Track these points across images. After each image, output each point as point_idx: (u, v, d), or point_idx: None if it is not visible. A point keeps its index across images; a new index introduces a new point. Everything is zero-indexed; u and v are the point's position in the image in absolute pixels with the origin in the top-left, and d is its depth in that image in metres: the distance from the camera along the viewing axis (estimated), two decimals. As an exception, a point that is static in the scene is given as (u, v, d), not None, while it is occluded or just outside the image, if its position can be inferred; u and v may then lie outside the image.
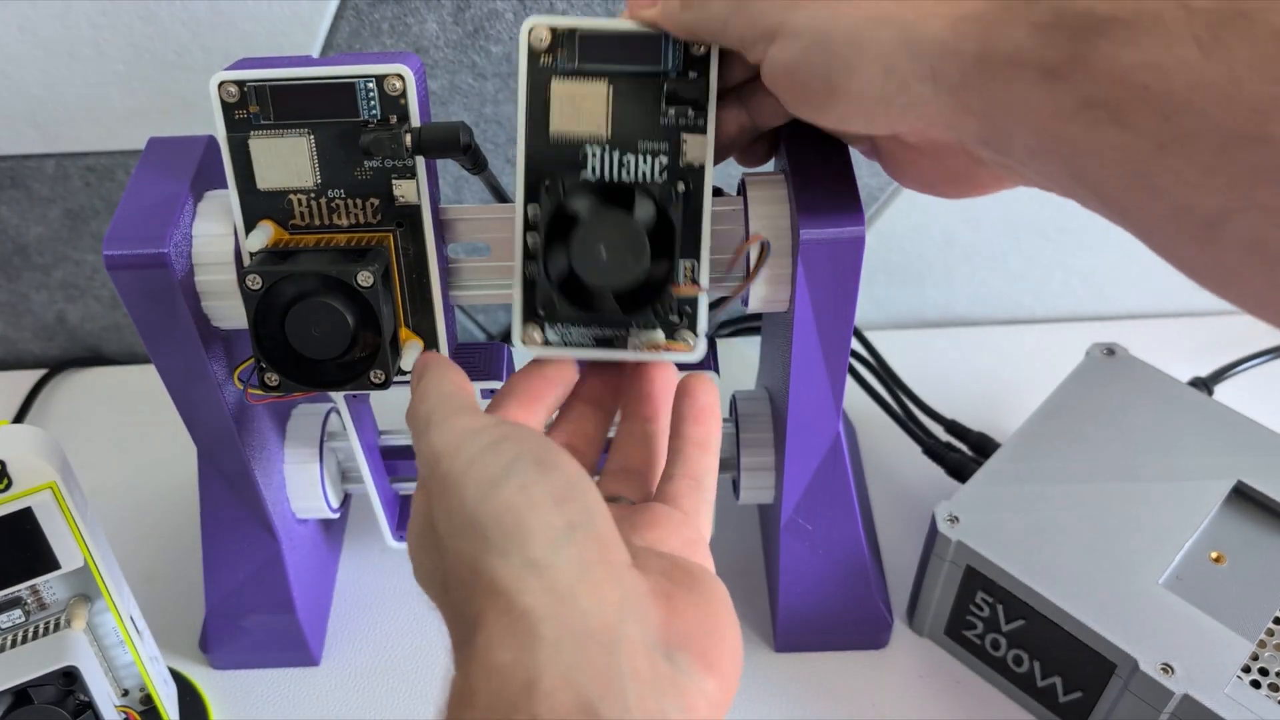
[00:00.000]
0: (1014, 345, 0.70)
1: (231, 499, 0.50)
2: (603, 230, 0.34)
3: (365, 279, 0.36)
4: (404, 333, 0.39)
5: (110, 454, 0.65)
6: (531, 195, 0.36)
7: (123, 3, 0.57)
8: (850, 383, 0.63)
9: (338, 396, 0.48)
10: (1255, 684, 0.44)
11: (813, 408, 0.47)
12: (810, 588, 0.52)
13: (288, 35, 0.59)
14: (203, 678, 0.54)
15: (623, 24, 0.37)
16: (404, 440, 0.54)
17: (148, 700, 0.47)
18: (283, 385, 0.38)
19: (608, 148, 0.37)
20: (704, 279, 0.37)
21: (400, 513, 0.55)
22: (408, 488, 0.55)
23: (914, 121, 0.31)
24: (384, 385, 0.38)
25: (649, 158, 0.37)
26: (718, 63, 0.37)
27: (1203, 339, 0.68)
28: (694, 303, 0.37)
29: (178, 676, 0.53)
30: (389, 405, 0.65)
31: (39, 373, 0.71)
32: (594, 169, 0.37)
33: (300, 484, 0.51)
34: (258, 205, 0.38)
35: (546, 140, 0.37)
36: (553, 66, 0.37)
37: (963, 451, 0.58)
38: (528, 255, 0.36)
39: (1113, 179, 0.27)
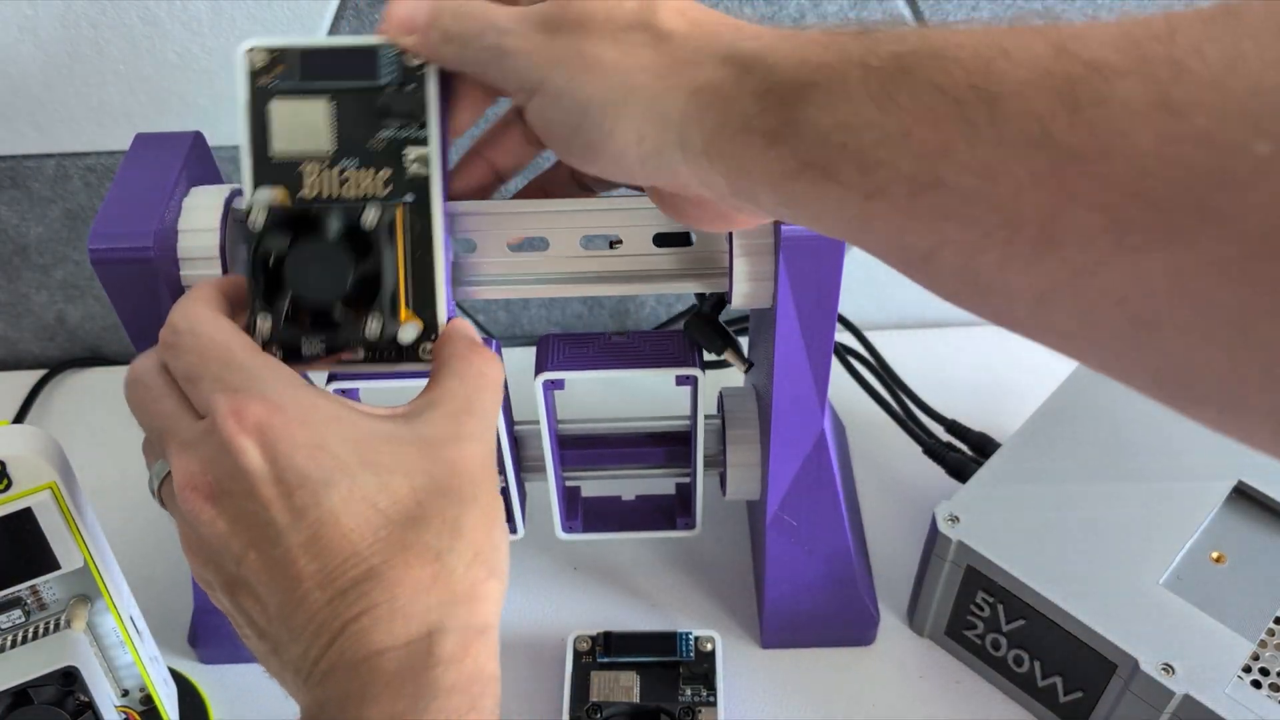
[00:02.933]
0: (1014, 345, 0.69)
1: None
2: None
3: (370, 218, 0.36)
4: (404, 313, 0.39)
5: (110, 454, 0.65)
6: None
7: (123, 3, 0.57)
8: (850, 383, 0.63)
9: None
10: (1256, 684, 0.44)
11: (797, 403, 0.47)
12: (796, 583, 0.52)
13: (288, 35, 0.58)
14: (203, 678, 0.54)
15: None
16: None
17: (148, 700, 0.47)
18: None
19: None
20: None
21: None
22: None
23: (670, 179, 0.33)
24: (379, 337, 0.38)
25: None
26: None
27: (1203, 339, 0.68)
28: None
29: (177, 676, 0.52)
30: (389, 398, 0.65)
31: (39, 373, 0.71)
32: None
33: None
34: (268, 177, 0.38)
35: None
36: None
37: (963, 451, 0.58)
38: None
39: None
